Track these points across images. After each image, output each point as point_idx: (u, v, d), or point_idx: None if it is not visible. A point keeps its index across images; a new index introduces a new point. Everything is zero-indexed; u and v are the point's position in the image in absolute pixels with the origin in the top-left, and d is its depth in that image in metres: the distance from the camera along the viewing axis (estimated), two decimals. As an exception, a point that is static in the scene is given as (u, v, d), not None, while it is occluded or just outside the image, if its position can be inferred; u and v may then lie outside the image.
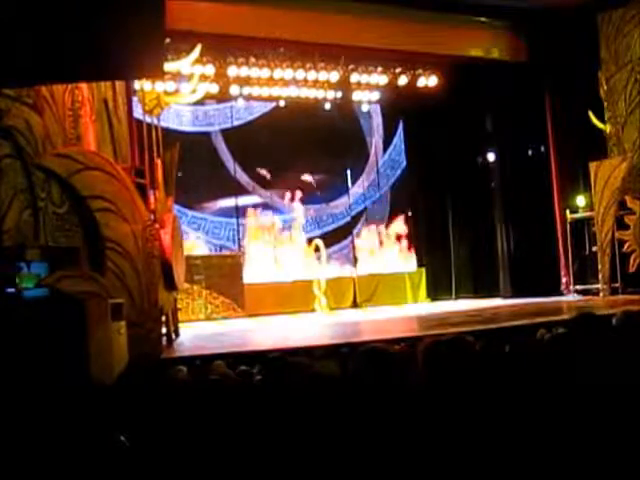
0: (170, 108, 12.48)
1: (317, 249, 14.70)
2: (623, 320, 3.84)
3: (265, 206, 15.44)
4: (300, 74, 13.88)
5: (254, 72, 13.53)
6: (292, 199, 15.61)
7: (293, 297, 14.34)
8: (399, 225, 16.37)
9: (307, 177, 15.95)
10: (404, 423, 2.50)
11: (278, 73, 13.69)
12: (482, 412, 2.60)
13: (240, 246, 14.80)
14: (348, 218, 16.20)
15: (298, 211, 15.58)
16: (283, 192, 15.63)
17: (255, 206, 15.28)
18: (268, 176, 15.31)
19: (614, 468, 2.48)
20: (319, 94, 14.79)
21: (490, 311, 11.75)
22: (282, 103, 14.80)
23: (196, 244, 14.28)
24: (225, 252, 14.71)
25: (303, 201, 15.72)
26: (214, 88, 13.44)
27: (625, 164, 12.95)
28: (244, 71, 13.40)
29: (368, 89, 15.23)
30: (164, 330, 8.88)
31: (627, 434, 2.57)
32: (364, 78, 14.64)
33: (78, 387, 3.90)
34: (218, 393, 3.02)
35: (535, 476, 2.46)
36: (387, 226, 16.43)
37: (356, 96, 15.39)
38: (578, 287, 13.85)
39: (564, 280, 14.23)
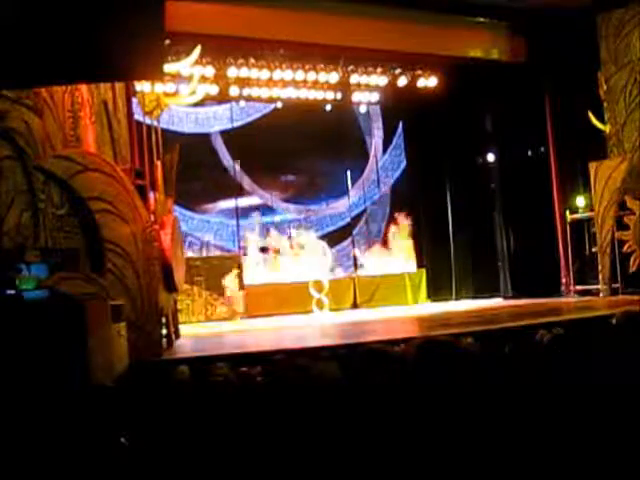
0: (170, 110, 12.48)
1: (318, 250, 14.68)
2: (623, 320, 3.83)
3: (265, 207, 15.45)
4: (300, 75, 13.89)
5: (254, 73, 13.55)
6: (292, 200, 15.60)
7: (293, 298, 14.32)
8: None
9: (307, 178, 15.95)
10: (405, 424, 2.50)
11: (278, 74, 13.70)
12: (477, 413, 2.59)
13: (240, 247, 14.80)
14: (348, 219, 16.18)
15: (298, 212, 15.57)
16: (283, 193, 15.63)
17: (255, 207, 15.29)
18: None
19: (614, 468, 2.48)
20: (319, 95, 14.79)
21: (490, 312, 11.74)
22: (282, 104, 14.80)
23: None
24: (225, 253, 14.71)
25: (303, 202, 15.70)
26: (214, 89, 13.46)
27: (625, 164, 12.91)
28: (244, 72, 13.41)
29: (368, 90, 15.23)
30: (164, 331, 8.87)
31: (628, 434, 2.57)
32: (364, 79, 14.65)
33: (78, 389, 3.90)
34: (219, 394, 3.02)
35: (534, 477, 2.46)
36: (387, 226, 16.36)
37: (356, 97, 15.40)
38: (578, 287, 13.84)
39: (564, 280, 14.21)
